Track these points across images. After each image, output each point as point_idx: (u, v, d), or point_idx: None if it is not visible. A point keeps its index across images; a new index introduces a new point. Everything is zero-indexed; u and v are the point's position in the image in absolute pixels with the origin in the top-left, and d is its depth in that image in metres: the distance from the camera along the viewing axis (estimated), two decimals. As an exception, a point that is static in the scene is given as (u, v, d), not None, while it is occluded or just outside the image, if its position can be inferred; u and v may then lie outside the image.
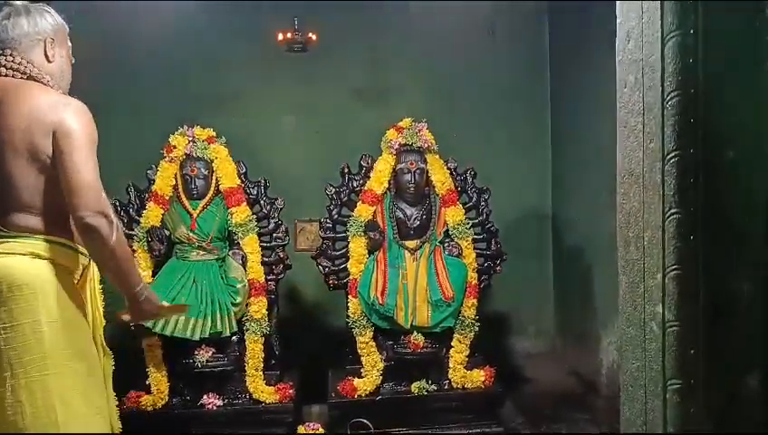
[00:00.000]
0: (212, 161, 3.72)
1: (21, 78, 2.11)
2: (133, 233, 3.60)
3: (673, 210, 1.59)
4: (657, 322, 1.66)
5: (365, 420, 3.51)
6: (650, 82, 1.63)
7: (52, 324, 2.03)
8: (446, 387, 3.74)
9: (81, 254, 2.17)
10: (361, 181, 3.88)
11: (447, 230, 3.85)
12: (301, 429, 3.55)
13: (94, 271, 2.25)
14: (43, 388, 2.01)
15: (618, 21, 1.77)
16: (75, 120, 2.05)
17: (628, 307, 1.79)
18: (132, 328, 3.45)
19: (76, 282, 2.18)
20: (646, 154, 1.66)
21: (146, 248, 3.61)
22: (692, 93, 1.55)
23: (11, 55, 2.12)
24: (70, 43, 2.30)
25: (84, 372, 2.11)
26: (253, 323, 3.64)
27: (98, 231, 2.00)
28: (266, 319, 3.68)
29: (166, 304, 2.45)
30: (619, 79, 1.77)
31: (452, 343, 3.75)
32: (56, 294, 2.06)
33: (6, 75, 2.11)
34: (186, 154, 3.69)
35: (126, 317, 2.25)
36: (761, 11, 1.55)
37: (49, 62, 2.17)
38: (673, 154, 1.58)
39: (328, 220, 3.87)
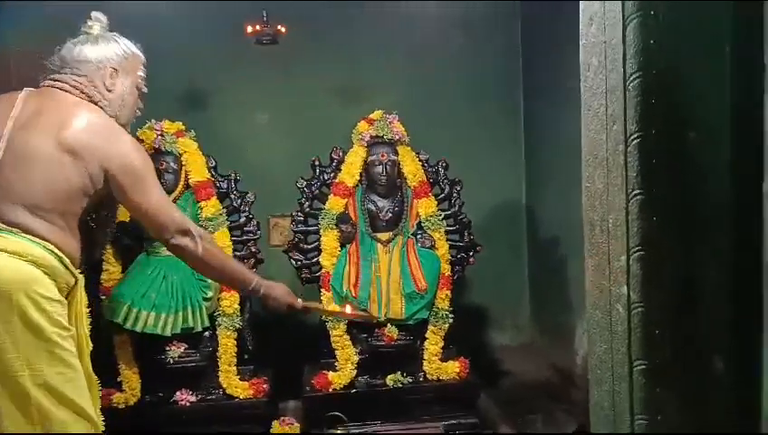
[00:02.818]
0: (181, 155, 3.67)
1: (79, 97, 2.19)
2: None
3: (636, 192, 1.60)
4: (623, 303, 1.67)
5: (340, 414, 3.50)
6: (612, 64, 1.63)
7: (28, 326, 1.95)
8: (421, 379, 3.73)
9: (69, 271, 2.11)
10: (333, 174, 3.86)
11: (420, 222, 3.85)
12: (276, 424, 3.53)
13: (81, 295, 2.20)
14: (19, 390, 1.94)
15: (581, 5, 1.77)
16: (135, 155, 2.16)
17: (595, 290, 1.79)
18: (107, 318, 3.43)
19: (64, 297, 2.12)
20: (609, 136, 1.66)
21: (116, 245, 3.56)
22: (654, 74, 1.55)
23: (72, 75, 2.21)
24: (142, 73, 2.39)
25: (65, 374, 2.04)
26: (225, 318, 3.61)
27: (184, 248, 2.19)
28: (239, 314, 3.65)
29: (300, 302, 2.55)
30: (582, 62, 1.77)
31: (426, 335, 3.75)
32: (36, 295, 1.97)
33: (65, 90, 2.19)
34: (154, 148, 3.64)
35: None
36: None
37: (108, 90, 2.24)
38: (636, 135, 1.58)
39: (299, 214, 3.85)
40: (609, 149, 1.66)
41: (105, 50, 2.27)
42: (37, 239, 2.02)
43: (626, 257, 1.63)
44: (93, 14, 2.36)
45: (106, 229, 2.43)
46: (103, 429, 2.27)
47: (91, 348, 2.25)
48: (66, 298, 2.12)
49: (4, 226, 2.01)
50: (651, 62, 1.56)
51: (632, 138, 1.59)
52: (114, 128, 2.20)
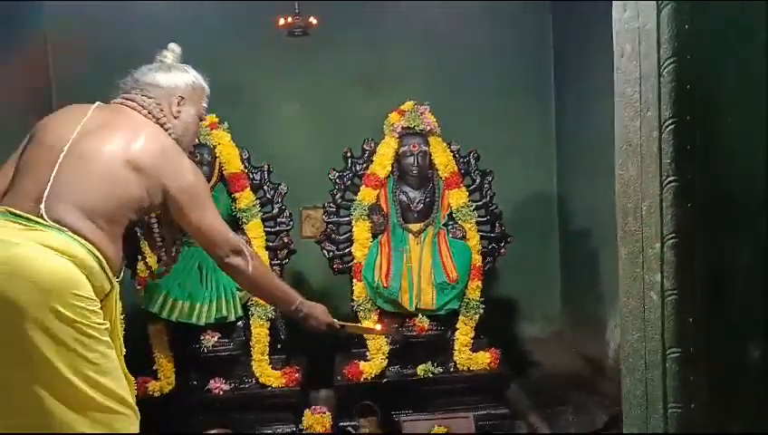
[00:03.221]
0: (215, 147, 3.72)
1: (146, 117, 2.29)
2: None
3: (670, 178, 1.59)
4: (656, 291, 1.66)
5: (371, 403, 3.52)
6: (647, 50, 1.62)
7: (67, 321, 1.94)
8: (451, 369, 3.74)
9: (106, 275, 2.12)
10: (364, 165, 3.88)
11: (451, 213, 3.85)
12: (307, 412, 3.56)
13: (116, 304, 2.22)
14: (61, 379, 1.93)
15: (614, -8, 1.76)
16: (194, 177, 2.25)
17: (628, 278, 1.78)
18: (143, 307, 3.49)
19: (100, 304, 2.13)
20: (643, 123, 1.65)
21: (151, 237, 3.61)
22: (688, 60, 1.55)
23: (143, 96, 2.31)
24: (205, 103, 2.52)
25: (103, 364, 2.03)
26: (258, 308, 3.65)
27: (236, 267, 2.31)
28: (271, 303, 3.69)
29: (338, 322, 2.79)
30: (616, 49, 1.76)
31: (457, 326, 3.75)
32: (74, 293, 1.97)
33: (134, 108, 2.29)
34: (189, 141, 3.69)
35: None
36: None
37: (174, 117, 2.35)
38: (670, 122, 1.58)
39: (332, 205, 3.87)
40: (643, 136, 1.65)
41: (177, 78, 2.40)
42: (81, 240, 2.04)
43: (660, 245, 1.63)
44: (170, 45, 2.52)
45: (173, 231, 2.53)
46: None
47: (124, 352, 2.26)
48: (101, 302, 2.13)
49: (53, 223, 2.05)
50: (686, 48, 1.55)
51: (666, 124, 1.58)
52: (177, 150, 2.30)
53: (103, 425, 2.02)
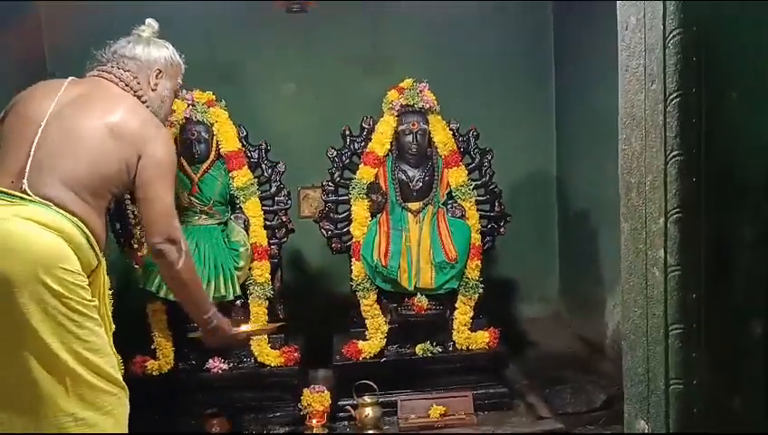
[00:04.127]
0: (212, 125, 3.69)
1: (124, 89, 2.32)
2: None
3: (675, 153, 1.57)
4: (659, 267, 1.65)
5: (370, 383, 3.52)
6: (651, 21, 1.60)
7: (56, 296, 1.96)
8: (450, 349, 3.73)
9: (93, 250, 2.13)
10: (363, 143, 3.85)
11: (450, 192, 3.83)
12: (306, 392, 3.55)
13: (104, 277, 2.24)
14: (50, 355, 1.95)
15: (619, -38, 1.73)
16: (166, 149, 2.27)
17: (631, 254, 1.77)
18: (141, 287, 3.48)
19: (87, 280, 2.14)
20: (647, 96, 1.63)
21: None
22: (694, 31, 1.52)
23: (120, 68, 2.35)
24: (180, 80, 2.56)
25: (92, 341, 2.06)
26: (256, 287, 3.64)
27: (166, 256, 2.24)
28: (269, 283, 3.67)
29: (241, 329, 2.87)
30: (620, 21, 1.74)
31: (456, 305, 3.74)
32: (63, 267, 1.99)
33: (112, 81, 2.32)
34: (185, 118, 3.66)
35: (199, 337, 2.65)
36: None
37: (152, 89, 2.40)
38: (675, 95, 1.55)
39: (330, 183, 3.85)
40: (648, 110, 1.63)
41: (155, 52, 2.44)
42: (67, 214, 2.06)
43: (663, 220, 1.61)
44: (148, 20, 2.54)
45: None
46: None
47: (113, 329, 2.28)
48: (89, 278, 2.14)
49: (39, 198, 2.04)
50: (692, 18, 1.52)
51: (671, 97, 1.56)
52: (156, 122, 2.33)
53: (91, 403, 2.03)
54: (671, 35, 1.54)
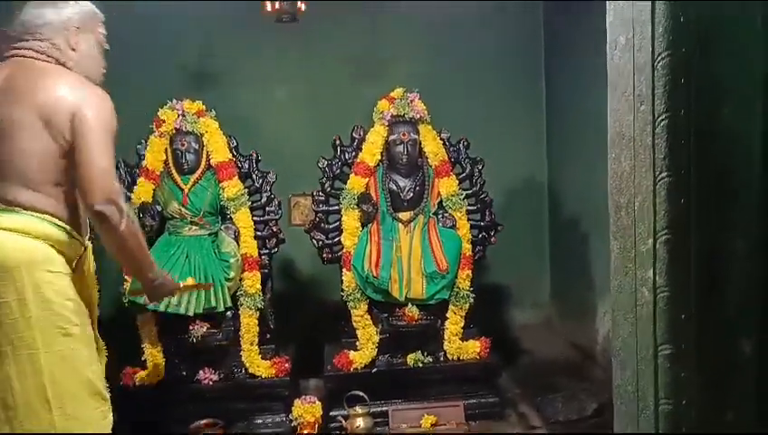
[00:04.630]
0: (202, 135, 3.68)
1: (47, 61, 2.17)
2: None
3: (664, 174, 1.57)
4: (649, 287, 1.65)
5: (361, 393, 3.51)
6: (641, 42, 1.60)
7: (39, 303, 2.01)
8: (441, 359, 3.73)
9: (77, 240, 2.15)
10: (354, 153, 3.84)
11: (441, 201, 3.82)
12: (297, 402, 3.55)
13: (90, 260, 2.25)
14: (32, 365, 2.00)
15: (608, -19, 1.73)
16: (95, 106, 2.10)
17: (620, 273, 1.77)
18: (126, 304, 3.46)
19: (72, 268, 2.17)
20: (636, 116, 1.63)
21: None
22: (683, 53, 1.52)
23: (36, 40, 2.18)
24: (102, 30, 2.34)
25: (76, 348, 2.10)
26: (247, 298, 3.63)
27: (107, 219, 2.04)
28: (260, 293, 3.66)
29: (186, 283, 2.67)
30: (609, 40, 1.74)
31: (447, 315, 3.74)
32: (45, 272, 2.04)
33: (32, 57, 2.17)
34: (175, 128, 3.65)
35: (143, 300, 2.53)
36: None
37: (73, 50, 2.21)
38: (664, 116, 1.55)
39: (320, 193, 3.84)
40: (637, 130, 1.63)
41: (66, 11, 2.24)
42: (38, 214, 2.05)
43: (652, 241, 1.61)
44: None
45: None
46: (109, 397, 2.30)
47: (98, 314, 2.30)
48: (75, 265, 2.17)
49: (3, 205, 2.04)
50: (680, 41, 1.52)
51: (660, 119, 1.56)
52: (83, 81, 2.18)
53: (76, 419, 2.03)
54: (660, 57, 1.54)
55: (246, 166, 3.78)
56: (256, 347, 3.64)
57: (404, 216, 3.80)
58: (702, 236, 1.57)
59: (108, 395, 2.24)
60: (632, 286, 1.71)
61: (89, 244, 2.24)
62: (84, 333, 2.16)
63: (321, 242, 3.81)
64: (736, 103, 1.54)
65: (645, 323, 1.67)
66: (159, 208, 3.63)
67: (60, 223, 2.08)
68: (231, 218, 3.70)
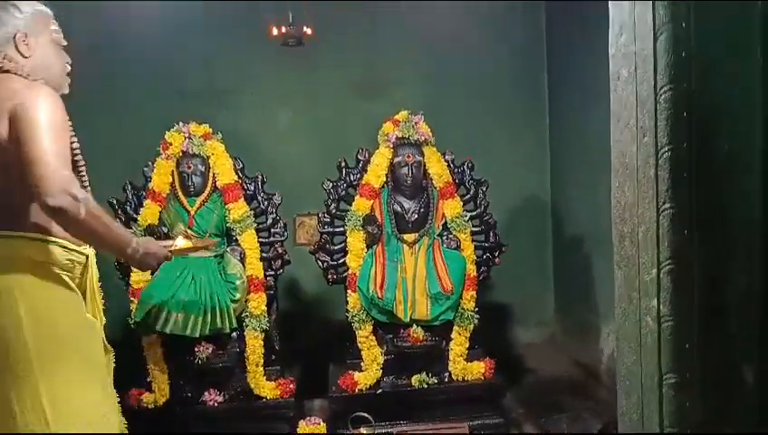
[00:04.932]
0: (208, 158, 3.72)
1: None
2: (131, 231, 3.60)
3: (667, 205, 1.59)
4: (653, 316, 1.66)
5: (366, 414, 3.52)
6: (643, 75, 1.62)
7: (35, 325, 1.97)
8: (446, 380, 3.74)
9: (71, 250, 2.06)
10: (359, 175, 3.87)
11: (446, 223, 3.85)
12: (302, 423, 3.56)
13: (93, 270, 2.19)
14: (30, 389, 1.96)
15: (610, 14, 1.76)
16: (35, 102, 1.94)
17: (624, 301, 1.79)
18: (133, 326, 3.48)
19: (75, 280, 2.11)
20: (639, 148, 1.65)
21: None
22: (685, 87, 1.55)
23: None
24: (54, 27, 2.20)
25: (78, 369, 2.06)
26: (252, 320, 3.65)
27: (64, 211, 1.88)
28: (266, 315, 3.68)
29: (177, 246, 2.41)
30: (612, 72, 1.76)
31: (452, 336, 3.75)
32: (38, 292, 1.99)
33: None
34: (182, 151, 3.69)
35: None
36: (752, 3, 1.54)
37: (24, 57, 2.09)
38: (666, 148, 1.58)
39: (326, 215, 3.87)
40: (640, 161, 1.65)
41: (7, 18, 2.08)
42: (18, 233, 1.98)
43: (656, 271, 1.63)
44: None
45: None
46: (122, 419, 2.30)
47: (104, 322, 2.24)
48: (81, 275, 2.12)
49: None
50: (682, 75, 1.55)
51: (663, 151, 1.58)
52: (23, 84, 2.02)
53: None
54: (662, 91, 1.56)
55: (252, 188, 3.81)
56: (261, 368, 3.66)
57: (409, 237, 3.82)
58: (705, 265, 1.58)
59: (117, 420, 2.23)
60: (636, 315, 1.72)
61: (90, 251, 2.14)
62: (92, 353, 2.13)
63: (326, 263, 3.83)
64: (737, 136, 1.56)
65: (649, 351, 1.69)
66: (166, 230, 3.66)
67: (44, 237, 2.00)
68: (237, 240, 3.72)
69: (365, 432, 3.49)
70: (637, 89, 1.65)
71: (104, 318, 2.27)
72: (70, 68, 2.25)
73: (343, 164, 3.90)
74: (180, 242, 2.57)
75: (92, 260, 2.17)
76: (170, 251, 2.32)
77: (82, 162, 2.16)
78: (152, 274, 3.59)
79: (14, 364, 1.96)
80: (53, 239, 2.01)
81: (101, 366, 2.20)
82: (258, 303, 3.66)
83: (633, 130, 1.67)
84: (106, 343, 2.27)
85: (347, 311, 3.76)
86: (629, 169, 1.70)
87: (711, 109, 1.55)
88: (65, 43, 2.23)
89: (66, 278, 2.07)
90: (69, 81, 2.25)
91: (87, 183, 2.15)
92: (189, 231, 3.64)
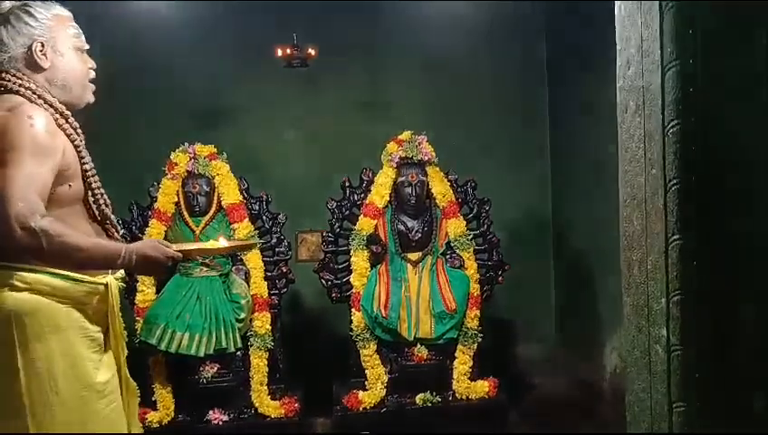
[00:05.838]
0: (213, 178, 3.74)
1: (10, 93, 1.85)
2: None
3: (675, 237, 1.60)
4: (662, 345, 1.68)
5: (369, 433, 3.52)
6: (650, 109, 1.64)
7: (31, 365, 1.78)
8: (450, 398, 3.75)
9: (83, 282, 1.87)
10: (363, 195, 3.90)
11: (449, 242, 3.88)
12: (306, 442, 3.57)
13: (114, 299, 1.96)
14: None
15: (617, 47, 1.78)
16: (10, 126, 1.74)
17: (633, 329, 1.80)
18: (137, 344, 3.49)
19: (90, 310, 1.91)
20: (648, 181, 1.67)
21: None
22: (692, 122, 1.56)
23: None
24: (75, 30, 1.99)
25: (84, 408, 1.88)
26: (257, 339, 3.66)
27: (26, 248, 1.71)
28: (270, 334, 3.70)
29: (179, 251, 1.98)
30: (619, 104, 1.78)
31: (456, 355, 3.77)
32: (37, 329, 1.79)
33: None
34: (187, 171, 3.71)
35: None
36: (759, 38, 1.57)
37: (44, 69, 1.89)
38: (674, 182, 1.59)
39: (330, 234, 3.89)
40: (648, 193, 1.67)
41: (20, 27, 1.87)
42: (20, 265, 1.79)
43: (665, 301, 1.64)
44: None
45: None
46: None
47: (126, 353, 2.07)
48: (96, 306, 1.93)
49: None
50: (690, 110, 1.57)
51: (671, 184, 1.60)
52: (15, 104, 1.81)
53: None
54: (670, 125, 1.58)
55: (257, 208, 3.83)
56: (266, 387, 3.67)
57: (412, 256, 3.84)
58: (714, 296, 1.60)
59: None
60: (646, 343, 1.73)
61: (109, 278, 1.93)
62: (101, 390, 1.92)
63: (329, 282, 3.85)
64: (746, 170, 1.59)
65: (659, 379, 1.70)
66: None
67: (34, 267, 1.79)
68: (241, 259, 3.74)
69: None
70: (644, 122, 1.67)
71: (126, 348, 2.08)
72: (94, 74, 2.06)
73: (347, 184, 3.93)
74: (223, 242, 2.39)
75: (112, 285, 1.96)
76: (181, 250, 2.00)
77: (96, 183, 2.00)
78: (158, 291, 3.61)
79: (7, 407, 1.79)
80: (56, 272, 1.82)
81: (115, 399, 2.02)
82: (263, 322, 3.68)
83: (641, 162, 1.69)
84: (129, 378, 2.10)
85: (351, 329, 3.78)
86: (637, 199, 1.72)
87: (720, 144, 1.57)
88: (87, 47, 2.03)
89: (77, 314, 1.89)
90: (93, 87, 2.06)
91: (104, 203, 2.01)
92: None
